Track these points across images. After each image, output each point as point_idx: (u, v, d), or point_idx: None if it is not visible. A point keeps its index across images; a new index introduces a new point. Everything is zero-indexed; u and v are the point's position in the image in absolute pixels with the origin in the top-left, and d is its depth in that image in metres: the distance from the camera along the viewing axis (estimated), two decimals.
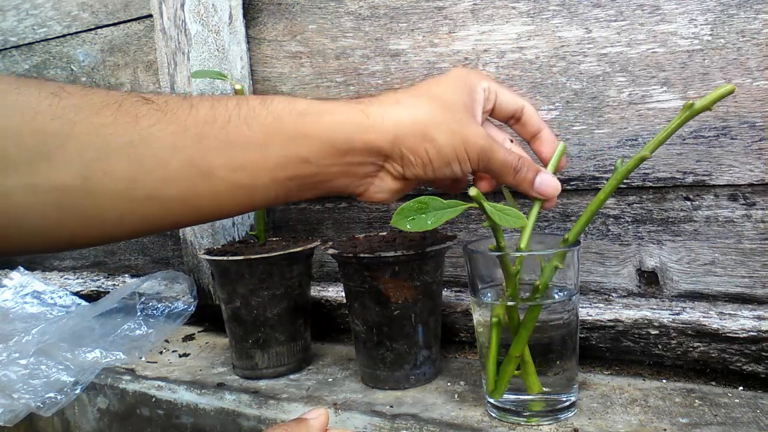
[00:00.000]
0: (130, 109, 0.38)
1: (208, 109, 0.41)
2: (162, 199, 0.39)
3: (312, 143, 0.43)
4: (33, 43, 1.07)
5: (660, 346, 0.60)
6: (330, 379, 0.67)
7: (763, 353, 0.56)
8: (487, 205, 0.47)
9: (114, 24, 0.98)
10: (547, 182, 0.51)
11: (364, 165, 0.46)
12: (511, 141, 0.54)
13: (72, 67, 1.03)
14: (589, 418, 0.53)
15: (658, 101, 0.61)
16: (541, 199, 0.52)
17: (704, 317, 0.58)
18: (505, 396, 0.53)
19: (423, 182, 0.53)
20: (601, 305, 0.63)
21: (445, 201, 0.48)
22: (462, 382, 0.62)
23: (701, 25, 0.59)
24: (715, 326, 0.57)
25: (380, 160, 0.47)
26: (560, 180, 0.66)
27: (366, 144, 0.45)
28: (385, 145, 0.45)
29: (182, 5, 0.80)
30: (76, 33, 1.02)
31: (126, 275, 1.02)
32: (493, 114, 0.53)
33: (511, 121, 0.54)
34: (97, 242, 0.40)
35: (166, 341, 0.84)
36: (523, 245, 0.50)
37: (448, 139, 0.46)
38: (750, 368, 0.57)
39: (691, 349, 0.59)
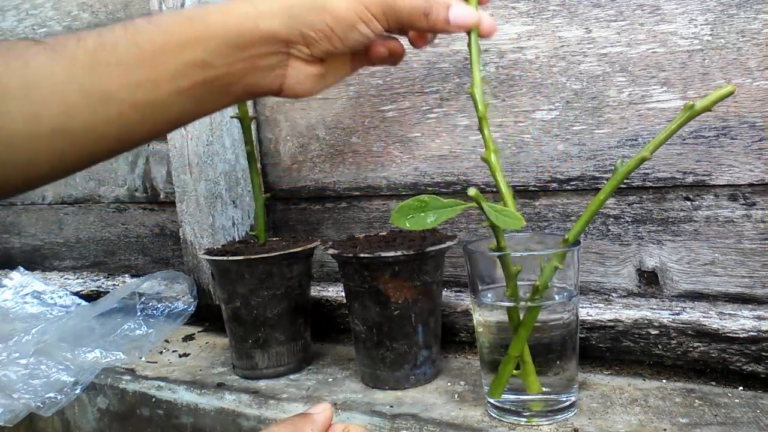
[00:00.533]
0: (21, 54, 0.39)
1: (95, 37, 0.41)
2: (68, 132, 0.39)
3: (206, 45, 0.43)
4: None
5: (660, 346, 0.60)
6: (330, 379, 0.67)
7: (763, 353, 0.56)
8: (486, 205, 0.47)
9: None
10: (461, 13, 0.49)
11: (267, 56, 0.45)
12: None
13: None
14: (589, 418, 0.53)
15: (658, 101, 0.61)
16: (470, 31, 0.50)
17: (704, 317, 0.58)
18: (505, 396, 0.53)
19: (356, 65, 0.52)
20: (601, 305, 0.63)
21: (444, 200, 0.48)
22: (462, 382, 0.62)
23: (701, 25, 0.59)
24: (715, 326, 0.57)
25: (282, 47, 0.45)
26: (560, 180, 0.67)
27: (261, 33, 0.44)
28: (281, 29, 0.44)
29: (182, 5, 0.80)
30: None
31: (126, 275, 1.02)
32: None
33: None
34: (18, 189, 0.41)
35: (166, 341, 0.84)
36: (478, 99, 0.50)
37: (343, 3, 0.45)
38: (750, 368, 0.57)
39: (691, 349, 0.59)
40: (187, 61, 0.42)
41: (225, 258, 0.66)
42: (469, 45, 0.51)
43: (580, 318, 0.56)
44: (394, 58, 0.53)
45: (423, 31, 0.50)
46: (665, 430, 0.50)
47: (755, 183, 0.59)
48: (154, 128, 0.44)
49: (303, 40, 0.45)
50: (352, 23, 0.45)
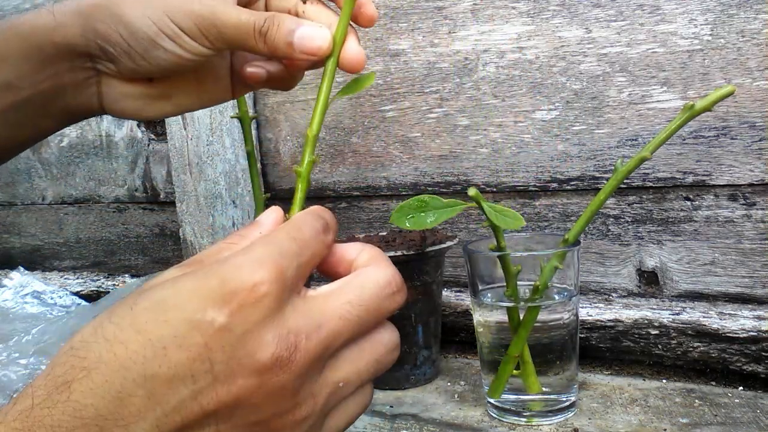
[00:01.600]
0: None
1: None
2: None
3: (8, 65, 0.39)
4: None
5: (660, 346, 0.60)
6: None
7: (763, 353, 0.56)
8: (486, 205, 0.47)
9: None
10: (309, 35, 0.38)
11: (72, 71, 0.40)
12: (305, 2, 0.41)
13: None
14: (589, 418, 0.53)
15: (658, 101, 0.61)
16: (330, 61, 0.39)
17: (704, 317, 0.58)
18: (505, 396, 0.53)
19: (239, 87, 0.44)
20: (601, 305, 0.63)
21: (444, 200, 0.48)
22: (462, 382, 0.62)
23: (701, 25, 0.59)
24: (715, 326, 0.57)
25: (85, 61, 0.40)
26: (560, 180, 0.67)
27: (56, 45, 0.39)
28: (77, 41, 0.39)
29: None
30: None
31: (126, 275, 1.02)
32: None
33: None
34: None
35: None
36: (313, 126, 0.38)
37: (141, 12, 0.37)
38: (750, 368, 0.57)
39: (691, 349, 0.59)
40: None
41: None
42: (321, 80, 0.38)
43: (580, 318, 0.56)
44: (278, 82, 0.43)
45: (266, 56, 0.41)
46: (665, 430, 0.50)
47: (755, 183, 0.59)
48: None
49: (105, 55, 0.39)
50: (151, 37, 0.38)
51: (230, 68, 0.44)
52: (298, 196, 0.37)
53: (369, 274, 0.31)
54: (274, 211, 0.35)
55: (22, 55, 0.39)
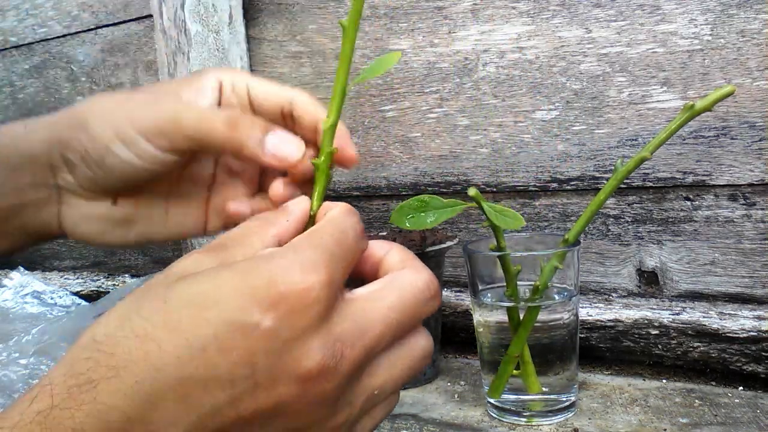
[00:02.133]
0: None
1: None
2: None
3: None
4: (33, 43, 1.07)
5: (660, 346, 0.60)
6: None
7: (763, 353, 0.56)
8: (486, 205, 0.47)
9: (114, 24, 0.98)
10: (283, 137, 0.36)
11: (35, 189, 0.39)
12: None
13: (72, 67, 1.03)
14: (589, 418, 0.53)
15: (658, 101, 0.61)
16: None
17: (704, 317, 0.58)
18: (505, 396, 0.53)
19: (213, 220, 0.42)
20: (601, 305, 0.63)
21: (444, 200, 0.48)
22: (462, 382, 0.62)
23: (701, 25, 0.59)
24: (715, 326, 0.57)
25: (47, 175, 0.38)
26: (560, 180, 0.67)
27: (21, 155, 0.38)
28: (41, 148, 0.38)
29: (182, 5, 0.80)
30: (76, 33, 1.02)
31: (126, 275, 1.02)
32: (254, 111, 0.40)
33: (286, 120, 0.40)
34: None
35: None
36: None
37: (104, 117, 0.36)
38: (750, 368, 0.57)
39: (691, 349, 0.59)
40: None
41: None
42: (339, 66, 0.36)
43: (580, 318, 0.56)
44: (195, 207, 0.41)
45: (230, 152, 0.37)
46: (665, 430, 0.50)
47: (755, 183, 0.59)
48: None
49: (66, 165, 0.38)
50: (106, 144, 0.36)
51: (206, 202, 0.41)
52: (318, 190, 0.35)
53: (407, 278, 0.30)
54: (304, 201, 0.34)
55: None
